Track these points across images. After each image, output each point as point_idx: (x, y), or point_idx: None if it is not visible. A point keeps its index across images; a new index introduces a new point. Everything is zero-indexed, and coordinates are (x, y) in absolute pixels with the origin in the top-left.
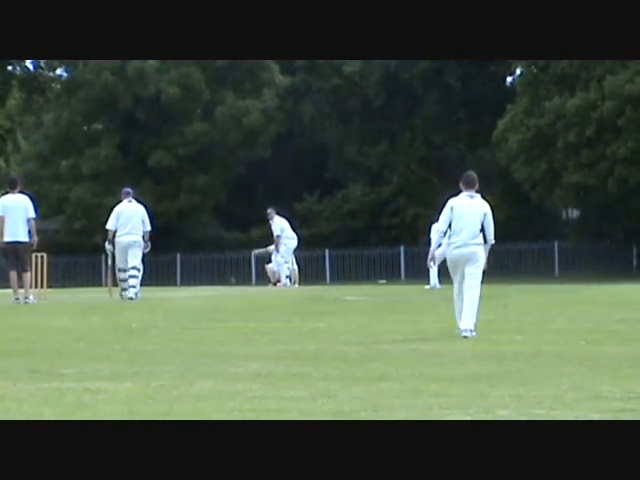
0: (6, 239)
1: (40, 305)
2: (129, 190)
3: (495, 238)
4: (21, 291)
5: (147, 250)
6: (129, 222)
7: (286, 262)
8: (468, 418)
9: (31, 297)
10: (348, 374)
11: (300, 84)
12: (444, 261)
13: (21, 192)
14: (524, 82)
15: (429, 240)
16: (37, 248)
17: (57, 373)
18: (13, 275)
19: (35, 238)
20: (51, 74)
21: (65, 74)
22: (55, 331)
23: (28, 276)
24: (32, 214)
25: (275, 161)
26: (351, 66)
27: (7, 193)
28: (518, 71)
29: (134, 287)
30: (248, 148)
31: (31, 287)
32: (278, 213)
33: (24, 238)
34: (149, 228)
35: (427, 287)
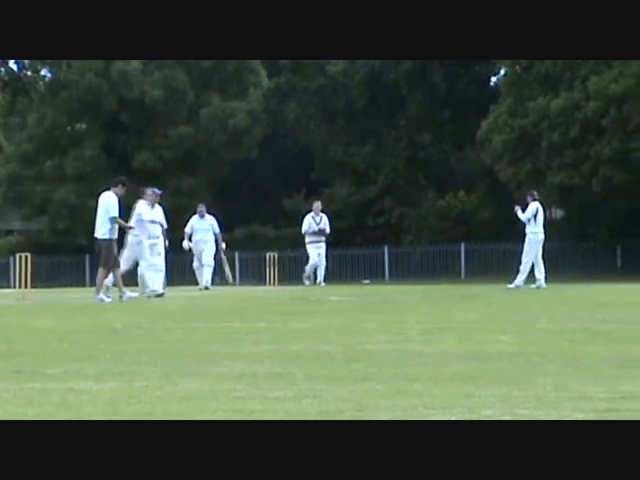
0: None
1: (24, 305)
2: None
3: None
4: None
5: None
6: None
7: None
8: (452, 418)
9: (100, 295)
10: (332, 374)
11: (284, 84)
12: None
13: (115, 192)
14: (508, 82)
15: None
16: (20, 248)
17: (41, 373)
18: (115, 273)
19: (111, 236)
20: (35, 75)
21: (49, 75)
22: (39, 331)
23: (100, 272)
24: (112, 213)
25: (260, 162)
26: (335, 66)
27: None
28: (502, 71)
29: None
30: (234, 150)
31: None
32: (209, 211)
33: (100, 236)
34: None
35: (534, 286)
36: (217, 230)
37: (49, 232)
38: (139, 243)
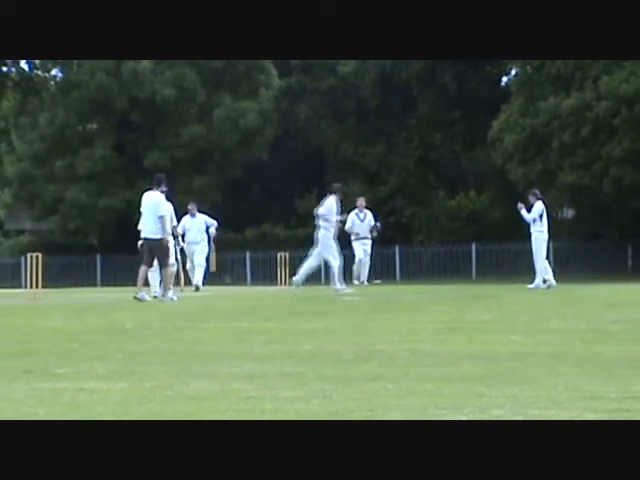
0: (142, 235)
1: (35, 305)
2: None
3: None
4: (146, 288)
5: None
6: None
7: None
8: (463, 418)
9: (168, 295)
10: (343, 374)
11: (295, 84)
12: None
13: (162, 191)
14: (519, 82)
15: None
16: (31, 248)
17: (52, 373)
18: (142, 270)
19: (164, 236)
20: (46, 75)
21: (60, 74)
22: (50, 331)
23: (164, 273)
24: (161, 212)
25: (271, 162)
26: (346, 66)
27: (150, 190)
28: (513, 71)
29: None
30: (245, 150)
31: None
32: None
33: (153, 235)
34: None
35: (531, 286)
36: (214, 224)
37: (60, 232)
38: (328, 239)
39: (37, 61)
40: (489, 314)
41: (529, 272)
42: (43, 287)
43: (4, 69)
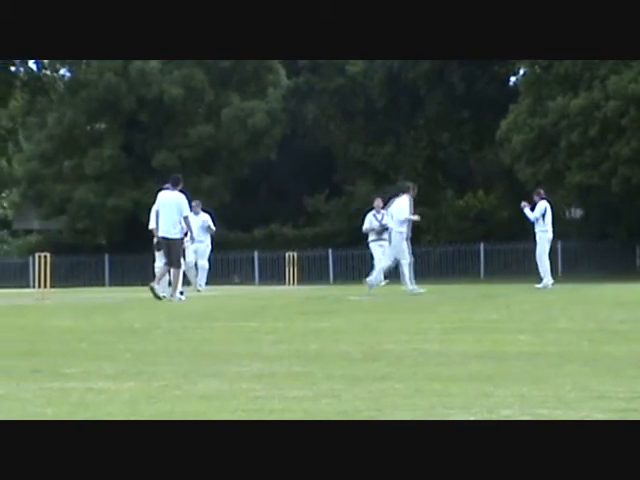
0: (159, 234)
1: (43, 305)
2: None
3: None
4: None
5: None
6: None
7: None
8: (471, 418)
9: (177, 294)
10: (351, 374)
11: (303, 84)
12: None
13: (181, 191)
14: (527, 82)
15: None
16: (39, 248)
17: (60, 373)
18: (163, 268)
19: (186, 236)
20: (54, 74)
21: (68, 74)
22: (58, 331)
23: (175, 273)
24: (186, 212)
25: (279, 161)
26: (354, 66)
27: (166, 189)
28: (521, 71)
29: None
30: (253, 150)
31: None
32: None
33: (172, 235)
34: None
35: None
36: (213, 228)
37: (68, 232)
38: (401, 241)
39: (45, 61)
40: (497, 314)
41: (537, 272)
42: (51, 287)
43: (12, 69)
